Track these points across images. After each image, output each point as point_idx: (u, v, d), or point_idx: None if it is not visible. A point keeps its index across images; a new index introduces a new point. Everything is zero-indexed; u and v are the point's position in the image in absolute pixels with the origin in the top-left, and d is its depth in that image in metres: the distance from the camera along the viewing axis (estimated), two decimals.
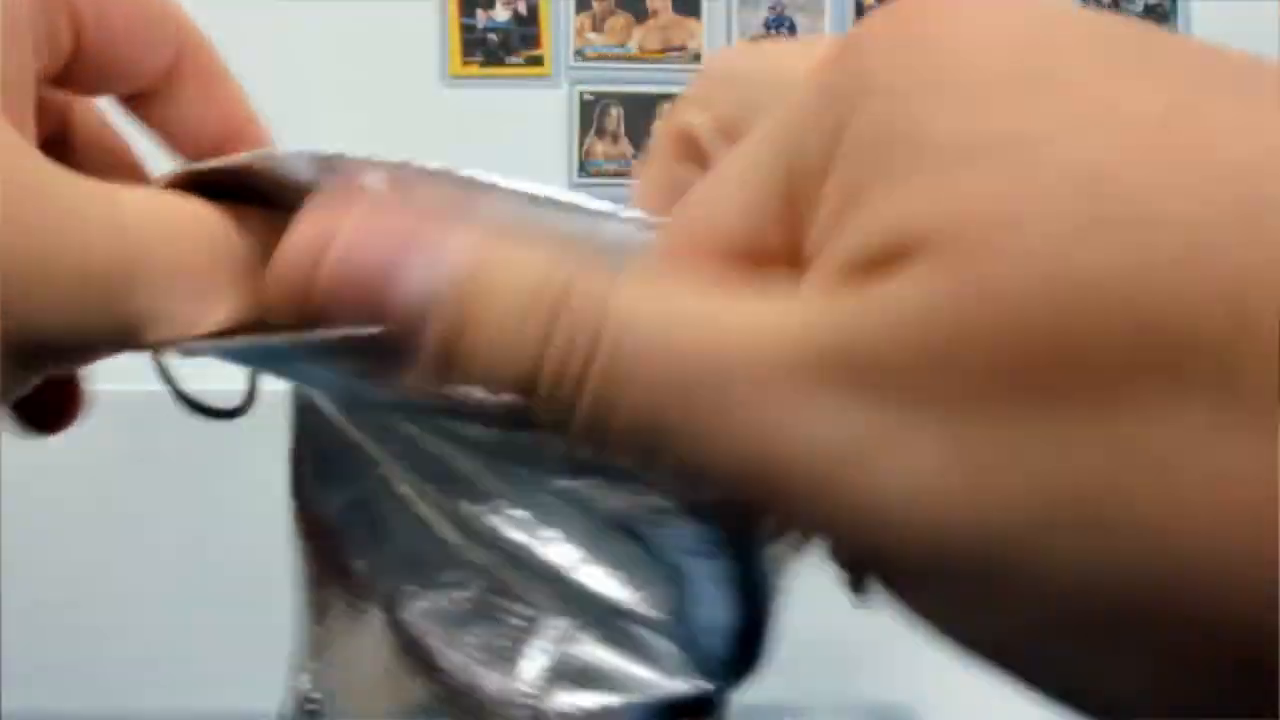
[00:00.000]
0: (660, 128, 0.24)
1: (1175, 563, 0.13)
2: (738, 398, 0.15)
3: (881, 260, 0.14)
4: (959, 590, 0.14)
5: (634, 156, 1.19)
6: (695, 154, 0.23)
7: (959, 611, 0.15)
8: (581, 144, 1.19)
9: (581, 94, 1.20)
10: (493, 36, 1.20)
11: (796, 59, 0.21)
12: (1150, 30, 0.15)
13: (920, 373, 0.14)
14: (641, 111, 1.20)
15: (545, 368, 0.15)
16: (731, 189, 0.17)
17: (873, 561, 0.15)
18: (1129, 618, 0.13)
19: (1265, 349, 0.12)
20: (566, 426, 0.16)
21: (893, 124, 0.14)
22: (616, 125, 1.20)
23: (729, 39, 1.23)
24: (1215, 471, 0.12)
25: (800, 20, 1.23)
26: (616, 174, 1.19)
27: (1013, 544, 0.13)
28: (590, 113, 1.20)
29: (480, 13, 1.20)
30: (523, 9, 1.21)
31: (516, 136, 1.17)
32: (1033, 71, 0.14)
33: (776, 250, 0.16)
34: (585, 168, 1.19)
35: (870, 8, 1.24)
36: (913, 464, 0.14)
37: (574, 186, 1.18)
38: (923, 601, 0.15)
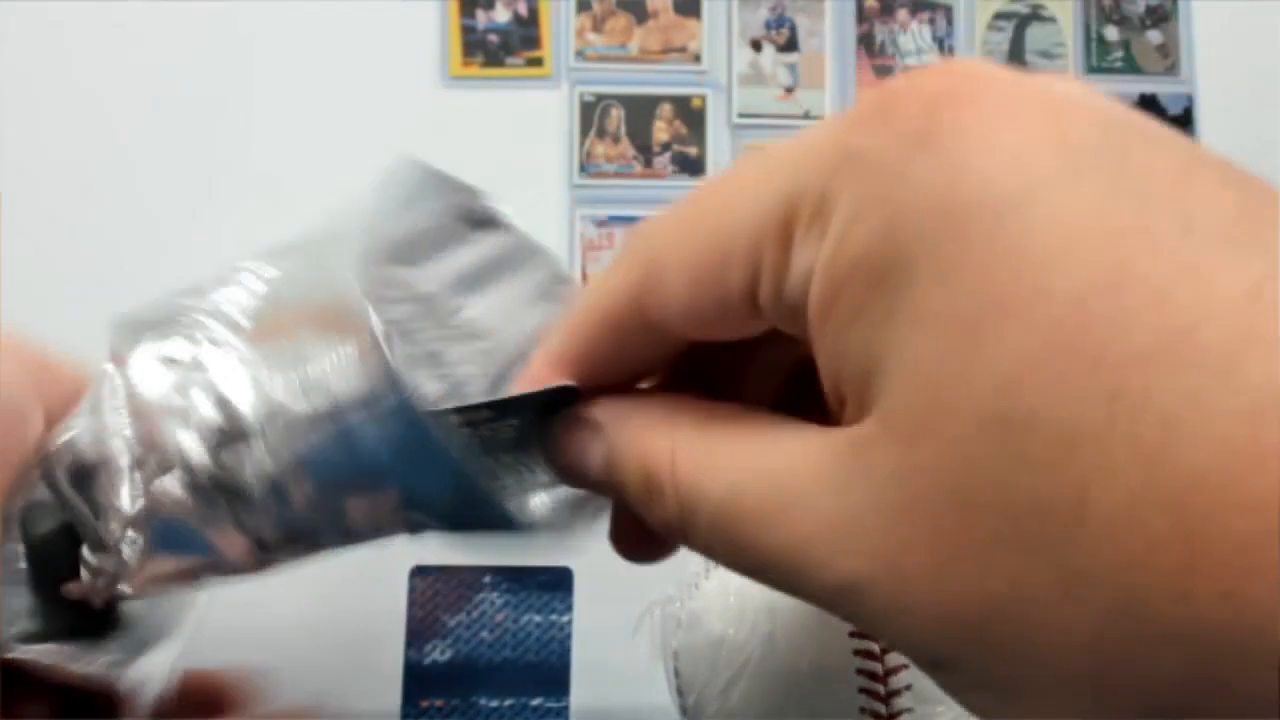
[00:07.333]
0: None
1: None
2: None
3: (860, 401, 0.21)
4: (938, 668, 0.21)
5: (634, 157, 1.20)
6: None
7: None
8: (582, 145, 1.19)
9: (582, 95, 1.20)
10: (493, 37, 1.20)
11: None
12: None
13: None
14: (642, 112, 1.20)
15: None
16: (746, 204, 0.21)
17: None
18: None
19: None
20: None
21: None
22: (617, 126, 1.20)
23: (729, 39, 1.23)
24: None
25: (800, 21, 1.23)
26: (617, 175, 1.19)
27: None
28: (591, 114, 1.20)
29: (480, 13, 1.20)
30: (523, 10, 1.21)
31: (517, 137, 1.17)
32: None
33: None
34: (586, 169, 1.19)
35: (870, 9, 1.24)
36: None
37: (575, 187, 1.18)
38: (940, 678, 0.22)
